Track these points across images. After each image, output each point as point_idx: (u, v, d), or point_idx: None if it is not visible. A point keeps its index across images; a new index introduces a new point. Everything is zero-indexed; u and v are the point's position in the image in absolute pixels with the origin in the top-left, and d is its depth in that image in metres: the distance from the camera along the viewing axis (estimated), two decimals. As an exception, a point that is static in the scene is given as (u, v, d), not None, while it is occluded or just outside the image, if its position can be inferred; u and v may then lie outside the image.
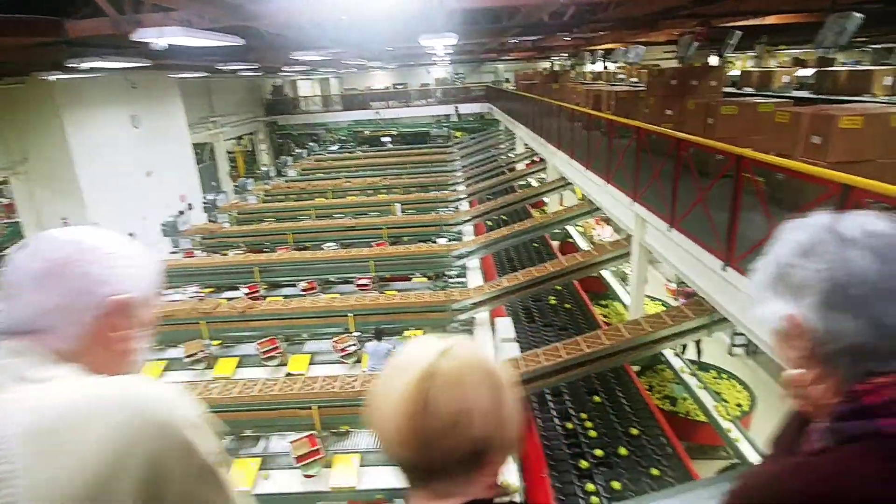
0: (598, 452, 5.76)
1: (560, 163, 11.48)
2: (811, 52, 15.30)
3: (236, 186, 17.14)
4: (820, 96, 8.55)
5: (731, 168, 4.91)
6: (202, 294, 10.28)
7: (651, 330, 5.91)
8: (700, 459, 7.44)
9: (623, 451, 5.77)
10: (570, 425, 6.27)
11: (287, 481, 5.98)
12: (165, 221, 12.08)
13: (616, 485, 5.26)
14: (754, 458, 5.51)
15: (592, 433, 6.03)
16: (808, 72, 10.66)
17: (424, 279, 10.99)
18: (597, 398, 6.70)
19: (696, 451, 7.48)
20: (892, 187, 3.27)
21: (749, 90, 10.94)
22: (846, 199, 3.54)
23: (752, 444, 5.66)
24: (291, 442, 5.86)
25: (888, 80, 8.27)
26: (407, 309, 8.29)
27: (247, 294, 10.07)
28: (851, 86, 8.54)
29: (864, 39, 15.12)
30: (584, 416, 6.42)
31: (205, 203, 14.76)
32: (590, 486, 5.31)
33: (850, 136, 5.38)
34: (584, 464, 5.59)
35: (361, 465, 6.11)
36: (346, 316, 8.22)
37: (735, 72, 13.67)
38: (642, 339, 5.92)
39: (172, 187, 15.72)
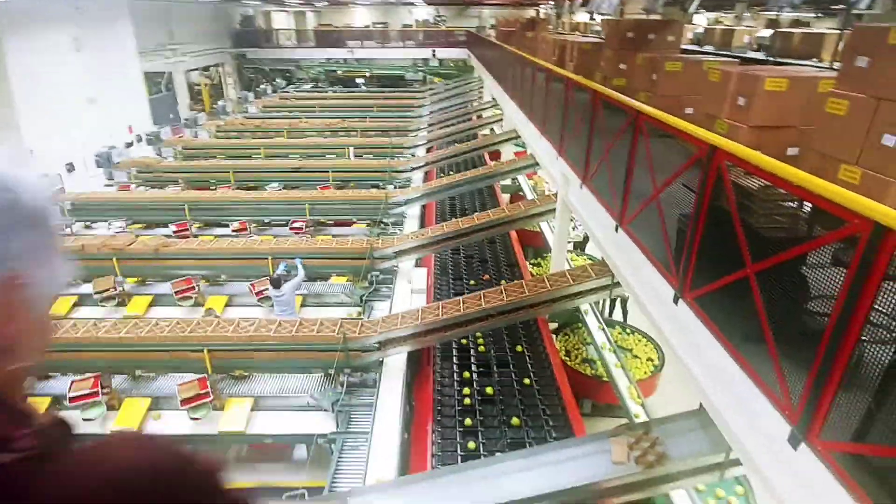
0: (488, 405, 5.75)
1: (511, 112, 11.07)
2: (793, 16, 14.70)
3: (186, 121, 16.41)
4: (770, 58, 8.19)
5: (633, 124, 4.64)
6: (128, 230, 9.94)
7: (550, 288, 5.79)
8: (610, 417, 7.56)
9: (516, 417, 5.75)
10: (466, 374, 6.22)
11: (177, 422, 5.91)
12: (99, 152, 11.54)
13: (498, 446, 5.25)
14: (643, 417, 5.52)
15: (489, 389, 5.99)
16: (767, 33, 10.22)
17: (364, 226, 10.78)
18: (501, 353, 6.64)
19: (604, 410, 7.59)
20: (749, 152, 3.05)
21: (710, 48, 10.50)
22: (712, 159, 3.31)
23: (644, 406, 5.68)
24: (179, 385, 5.75)
25: (840, 45, 7.92)
26: (327, 255, 8.08)
27: (175, 232, 9.77)
28: (804, 48, 8.18)
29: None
30: (482, 368, 6.36)
31: (148, 136, 14.12)
32: (472, 445, 5.31)
33: (774, 99, 5.09)
34: (468, 422, 5.57)
35: (253, 410, 6.06)
36: (266, 259, 7.99)
37: (699, 29, 13.12)
38: (540, 296, 5.82)
39: (119, 117, 14.98)
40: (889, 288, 2.07)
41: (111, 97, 14.76)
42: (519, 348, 6.76)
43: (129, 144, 14.35)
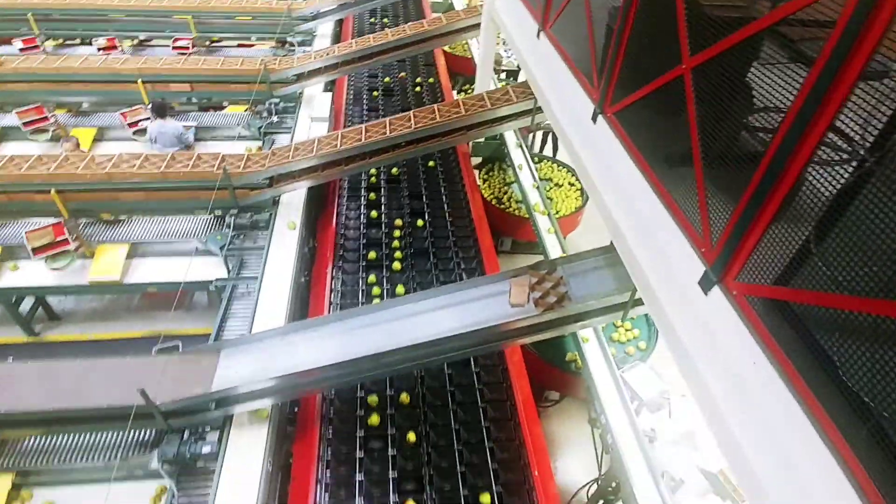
0: (396, 245, 5.27)
1: None
2: None
3: None
4: None
5: None
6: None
7: (465, 113, 5.00)
8: (530, 255, 7.38)
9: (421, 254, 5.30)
10: (374, 214, 5.64)
11: (37, 273, 5.14)
12: None
13: (400, 288, 4.86)
14: (556, 254, 5.23)
15: (398, 222, 5.45)
16: None
17: (268, 46, 9.17)
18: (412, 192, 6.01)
19: (525, 248, 7.37)
20: None
21: None
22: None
23: (562, 243, 5.35)
24: (26, 233, 4.85)
25: None
26: (215, 78, 6.75)
27: (22, 50, 7.92)
28: None
29: None
30: (393, 206, 5.77)
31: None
32: (371, 278, 4.89)
33: None
34: (372, 255, 5.10)
35: (132, 257, 5.34)
36: (135, 83, 6.59)
37: None
38: (454, 123, 5.05)
39: None
40: (862, 92, 1.46)
41: None
42: (435, 183, 6.14)
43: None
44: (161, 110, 6.14)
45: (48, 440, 3.71)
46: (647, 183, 2.51)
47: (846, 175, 1.53)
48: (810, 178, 1.64)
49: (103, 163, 4.95)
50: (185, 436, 3.44)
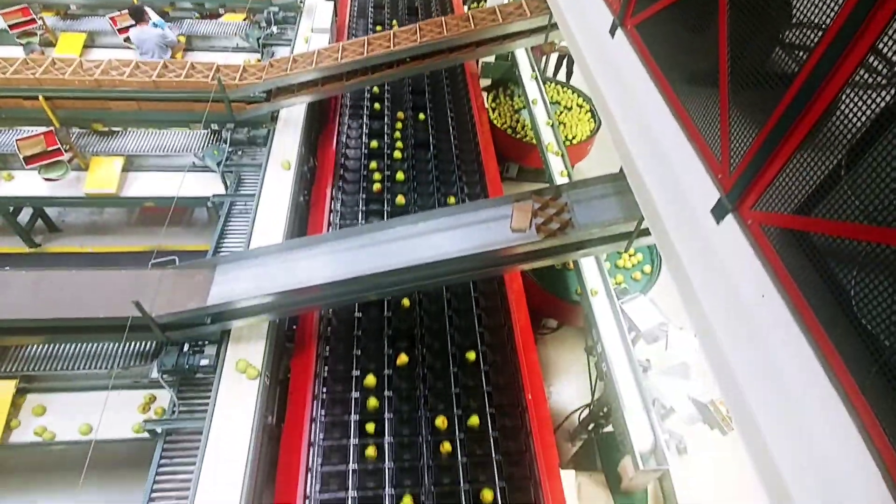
0: (398, 156, 5.11)
1: None
2: None
3: None
4: None
5: None
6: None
7: (475, 28, 4.67)
8: (536, 183, 7.19)
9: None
10: (377, 125, 5.44)
11: (31, 184, 5.05)
12: None
13: (400, 199, 4.75)
14: (560, 178, 5.07)
15: (397, 152, 5.25)
16: None
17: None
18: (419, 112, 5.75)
19: (531, 175, 7.17)
20: None
21: None
22: None
23: (570, 171, 5.17)
24: (17, 140, 4.70)
25: None
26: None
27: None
28: None
29: None
30: (397, 124, 5.54)
31: None
32: (372, 200, 4.79)
33: None
34: (375, 176, 4.96)
35: (127, 171, 5.21)
36: (124, -18, 6.17)
37: None
38: (463, 38, 4.73)
39: None
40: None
41: None
42: (440, 103, 5.87)
43: None
44: (138, 14, 5.76)
45: (51, 348, 3.78)
46: (666, 104, 2.33)
47: (887, 98, 1.38)
48: (846, 100, 1.49)
49: (91, 69, 4.70)
50: (185, 348, 3.48)
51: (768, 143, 1.68)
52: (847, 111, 1.46)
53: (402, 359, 3.73)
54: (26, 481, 4.19)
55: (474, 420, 3.46)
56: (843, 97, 1.49)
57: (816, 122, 1.55)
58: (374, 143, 5.31)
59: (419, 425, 3.48)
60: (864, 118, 1.43)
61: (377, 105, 5.76)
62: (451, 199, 4.88)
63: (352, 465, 3.28)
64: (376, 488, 3.23)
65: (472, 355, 3.78)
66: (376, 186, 4.93)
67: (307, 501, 3.14)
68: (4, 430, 3.52)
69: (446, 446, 3.35)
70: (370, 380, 3.62)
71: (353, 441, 3.39)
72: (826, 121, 1.54)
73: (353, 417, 3.49)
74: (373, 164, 5.11)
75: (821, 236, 1.57)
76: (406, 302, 4.09)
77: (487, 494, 3.17)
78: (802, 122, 1.58)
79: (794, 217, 1.61)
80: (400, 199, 4.76)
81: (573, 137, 6.46)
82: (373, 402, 3.52)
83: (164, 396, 3.65)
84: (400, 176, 5.00)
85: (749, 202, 1.78)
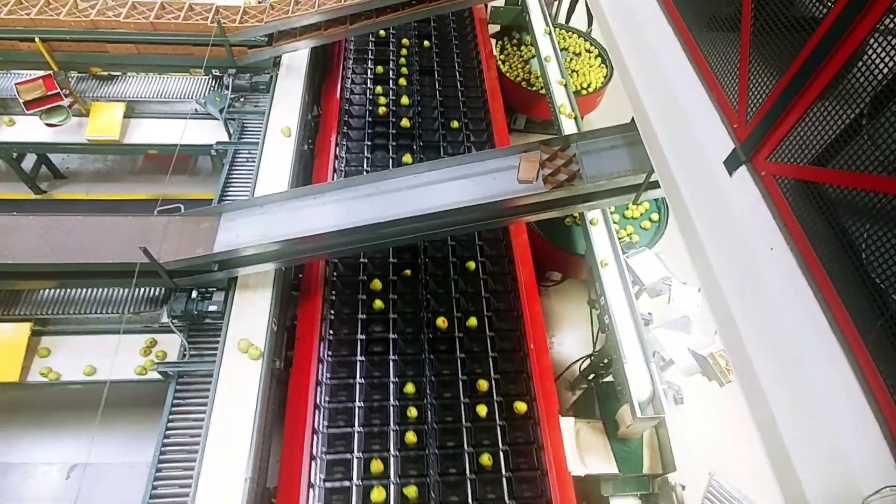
0: (405, 102, 5.03)
1: None
2: None
3: None
4: None
5: None
6: None
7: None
8: (544, 134, 7.04)
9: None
10: (380, 70, 5.31)
11: (32, 130, 4.99)
12: None
13: (407, 157, 4.69)
14: (570, 130, 4.96)
15: (404, 100, 5.12)
16: None
17: None
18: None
19: (539, 127, 7.02)
20: None
21: None
22: None
23: (579, 122, 5.05)
24: (16, 84, 4.61)
25: None
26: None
27: None
28: None
29: None
30: (402, 71, 5.38)
31: None
32: (377, 150, 4.72)
33: None
34: (379, 128, 4.87)
35: (129, 117, 5.13)
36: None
37: None
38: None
39: None
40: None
41: None
42: (448, 50, 5.68)
43: None
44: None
45: (63, 293, 3.84)
46: (683, 51, 2.25)
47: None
48: (873, 46, 1.42)
49: (87, 9, 4.55)
50: (193, 294, 3.53)
51: (788, 90, 1.62)
52: (873, 58, 1.41)
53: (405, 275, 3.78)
54: (44, 418, 4.37)
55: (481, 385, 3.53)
56: (871, 43, 1.43)
57: (840, 69, 1.49)
58: (379, 92, 5.18)
59: (425, 389, 3.57)
60: (891, 65, 1.37)
61: (381, 51, 5.58)
62: (457, 150, 4.80)
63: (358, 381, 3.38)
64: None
65: (476, 302, 3.83)
66: (381, 136, 4.85)
67: (315, 435, 3.25)
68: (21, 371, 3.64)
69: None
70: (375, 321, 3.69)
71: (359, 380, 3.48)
72: (850, 68, 1.49)
73: (360, 357, 3.57)
74: (381, 112, 4.99)
75: (835, 189, 1.54)
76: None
77: (481, 411, 3.28)
78: (826, 69, 1.52)
79: (811, 168, 1.58)
80: (407, 158, 4.69)
81: (588, 85, 6.28)
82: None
83: (164, 340, 3.75)
84: (405, 123, 4.91)
85: (764, 153, 1.74)
